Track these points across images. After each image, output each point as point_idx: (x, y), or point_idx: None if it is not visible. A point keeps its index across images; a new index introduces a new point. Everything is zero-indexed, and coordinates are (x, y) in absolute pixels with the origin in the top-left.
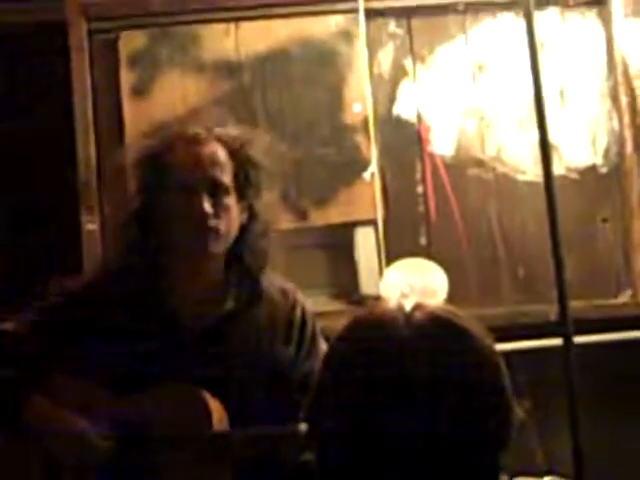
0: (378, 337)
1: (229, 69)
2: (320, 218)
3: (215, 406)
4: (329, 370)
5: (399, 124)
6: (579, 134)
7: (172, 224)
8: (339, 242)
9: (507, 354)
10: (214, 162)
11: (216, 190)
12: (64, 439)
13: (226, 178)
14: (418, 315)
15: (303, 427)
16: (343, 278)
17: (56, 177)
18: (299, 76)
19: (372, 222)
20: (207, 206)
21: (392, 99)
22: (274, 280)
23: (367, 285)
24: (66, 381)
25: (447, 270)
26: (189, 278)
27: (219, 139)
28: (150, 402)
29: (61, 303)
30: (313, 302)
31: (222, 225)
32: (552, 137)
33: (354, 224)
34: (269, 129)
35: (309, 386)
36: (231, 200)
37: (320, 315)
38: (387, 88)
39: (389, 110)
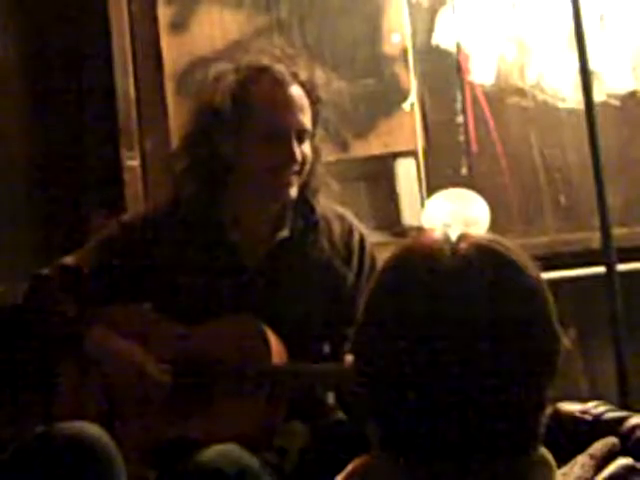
0: (425, 269)
1: (267, 2)
2: (360, 149)
3: (274, 339)
4: (375, 302)
5: (438, 54)
6: (619, 60)
7: (252, 168)
8: (380, 173)
9: (550, 283)
10: (302, 107)
11: (302, 136)
12: (124, 370)
13: (309, 123)
14: (463, 246)
15: (349, 359)
16: (384, 209)
17: (96, 113)
18: (337, 7)
19: (412, 153)
20: (298, 153)
21: (431, 28)
22: (329, 206)
23: (409, 216)
24: (129, 312)
25: (489, 200)
26: (254, 215)
27: (297, 80)
28: (210, 334)
29: (121, 236)
30: None
31: (303, 171)
32: (592, 63)
33: (394, 155)
34: (308, 61)
35: None
36: (309, 145)
37: None
38: (425, 17)
39: (428, 40)
